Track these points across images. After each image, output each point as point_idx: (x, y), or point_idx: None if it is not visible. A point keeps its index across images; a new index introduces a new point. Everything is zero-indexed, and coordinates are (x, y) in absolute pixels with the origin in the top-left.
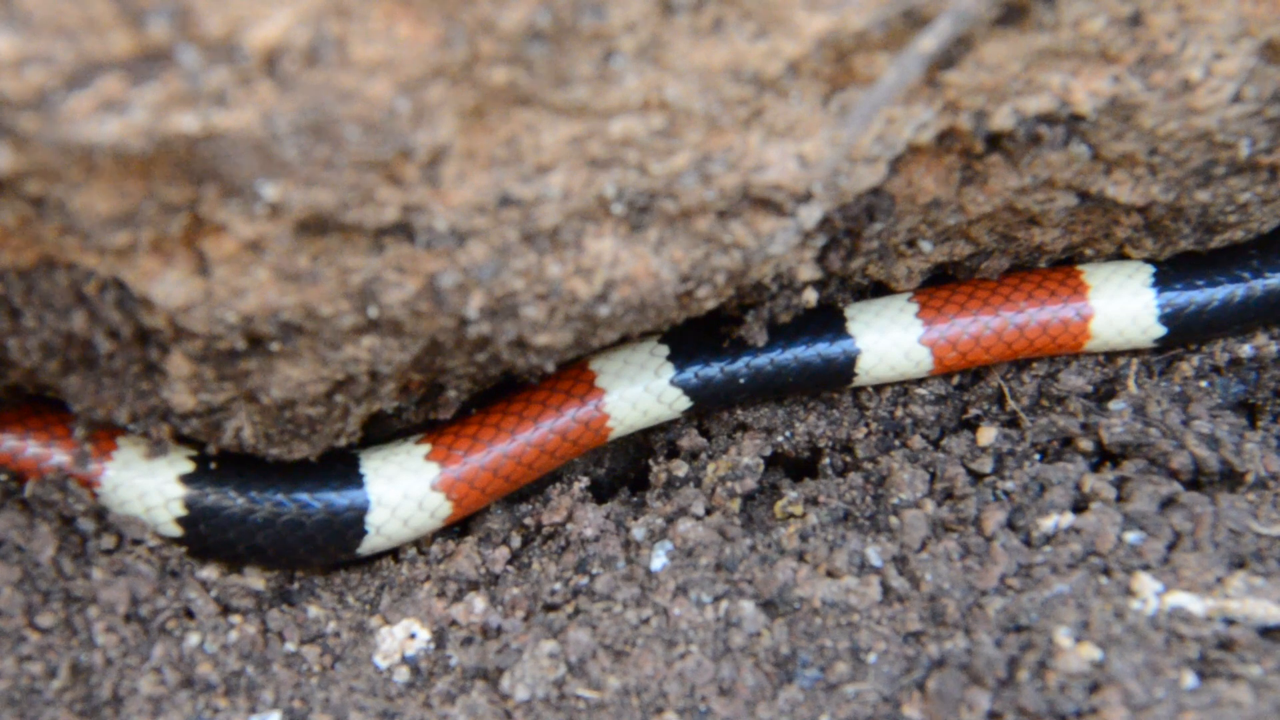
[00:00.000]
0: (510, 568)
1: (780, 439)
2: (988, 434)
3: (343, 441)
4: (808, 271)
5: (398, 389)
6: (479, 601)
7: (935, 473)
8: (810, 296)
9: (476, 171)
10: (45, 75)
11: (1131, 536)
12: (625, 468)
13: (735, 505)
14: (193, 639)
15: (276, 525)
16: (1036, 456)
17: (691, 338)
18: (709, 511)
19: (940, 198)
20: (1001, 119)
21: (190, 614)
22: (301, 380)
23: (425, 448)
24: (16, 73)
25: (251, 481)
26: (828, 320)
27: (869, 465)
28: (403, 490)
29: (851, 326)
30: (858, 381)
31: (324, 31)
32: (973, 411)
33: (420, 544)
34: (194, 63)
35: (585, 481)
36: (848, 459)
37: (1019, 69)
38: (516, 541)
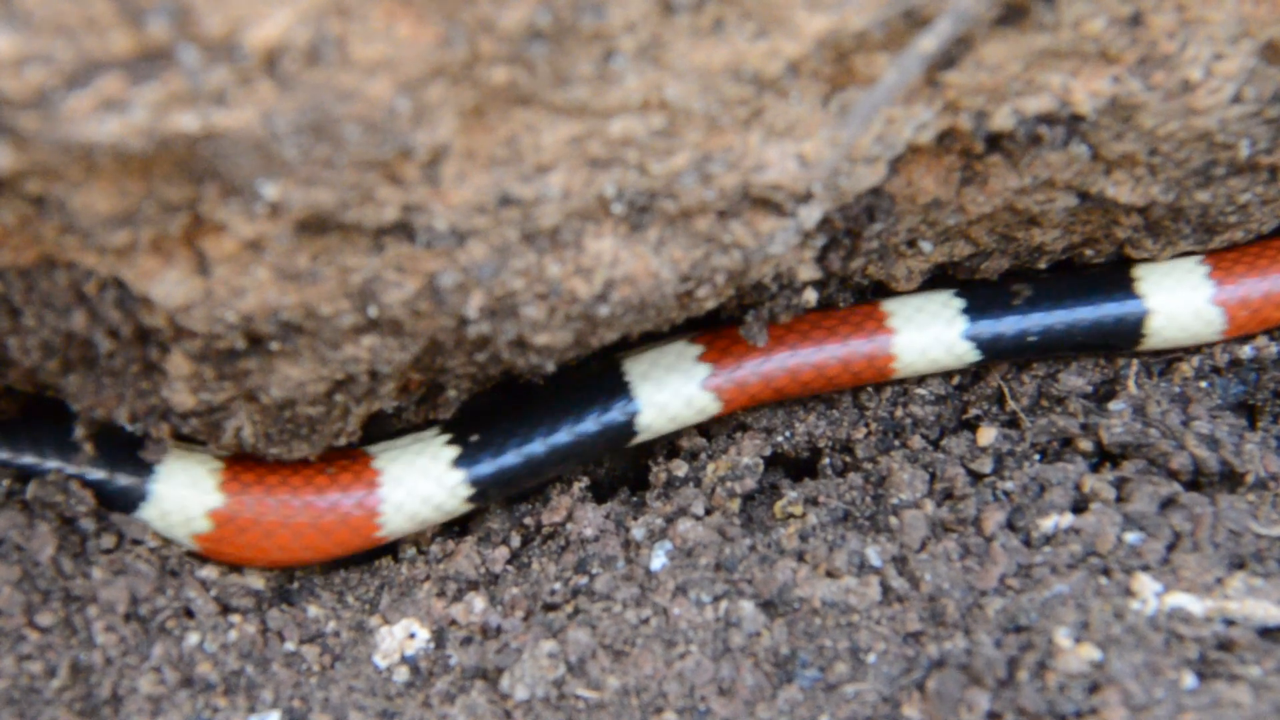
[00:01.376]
0: (510, 567)
1: (780, 439)
2: (987, 434)
3: (342, 441)
4: (808, 271)
5: (397, 388)
6: (479, 601)
7: (935, 473)
8: (810, 296)
9: (476, 171)
10: (45, 74)
11: (1131, 537)
12: (625, 468)
13: (735, 505)
14: (192, 638)
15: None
16: (1036, 457)
17: (986, 292)
18: (709, 511)
19: (940, 198)
20: (1001, 119)
21: (190, 613)
22: (301, 380)
23: (699, 348)
24: (17, 72)
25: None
26: (1117, 279)
27: (869, 465)
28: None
29: (1140, 286)
30: (1146, 344)
31: (324, 31)
32: (972, 412)
33: (420, 543)
34: (194, 62)
35: (585, 481)
36: (847, 459)
37: (1019, 69)
38: (516, 541)
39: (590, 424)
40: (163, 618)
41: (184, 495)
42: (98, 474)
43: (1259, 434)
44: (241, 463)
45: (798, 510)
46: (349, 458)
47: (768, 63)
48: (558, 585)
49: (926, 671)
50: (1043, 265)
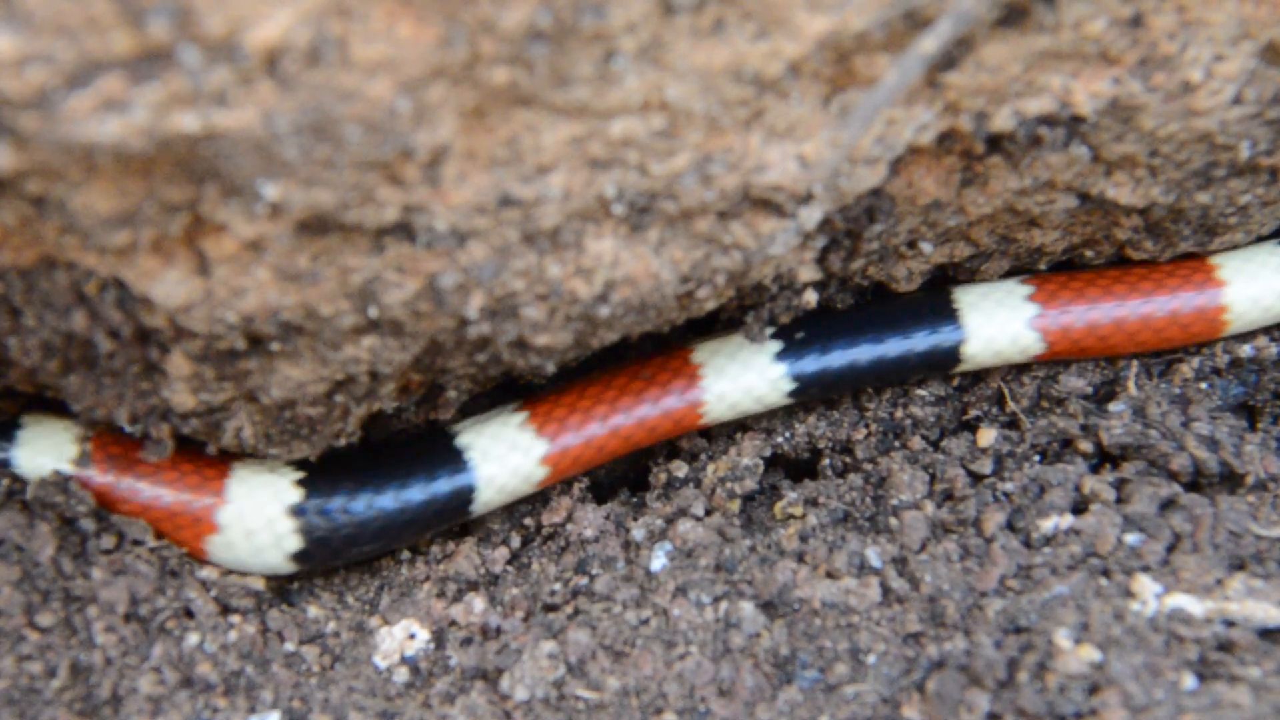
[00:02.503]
0: (510, 568)
1: (780, 440)
2: (987, 435)
3: (342, 441)
4: (808, 272)
5: (398, 389)
6: (478, 602)
7: (935, 474)
8: (810, 297)
9: (477, 172)
10: (46, 75)
11: (1131, 538)
12: (625, 468)
13: (735, 506)
14: (192, 639)
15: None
16: (1036, 458)
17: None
18: (709, 512)
19: (940, 199)
20: (1002, 120)
21: (190, 614)
22: (302, 380)
23: (1029, 288)
24: (17, 72)
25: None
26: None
27: (869, 466)
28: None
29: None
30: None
31: (325, 31)
32: (973, 413)
33: (418, 544)
34: (195, 62)
35: (585, 482)
36: (847, 460)
37: (1019, 70)
38: (516, 542)
39: (918, 343)
40: (163, 618)
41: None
42: None
43: (1259, 435)
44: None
45: (798, 511)
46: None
47: (768, 63)
48: (558, 586)
49: (926, 672)
50: (1043, 266)
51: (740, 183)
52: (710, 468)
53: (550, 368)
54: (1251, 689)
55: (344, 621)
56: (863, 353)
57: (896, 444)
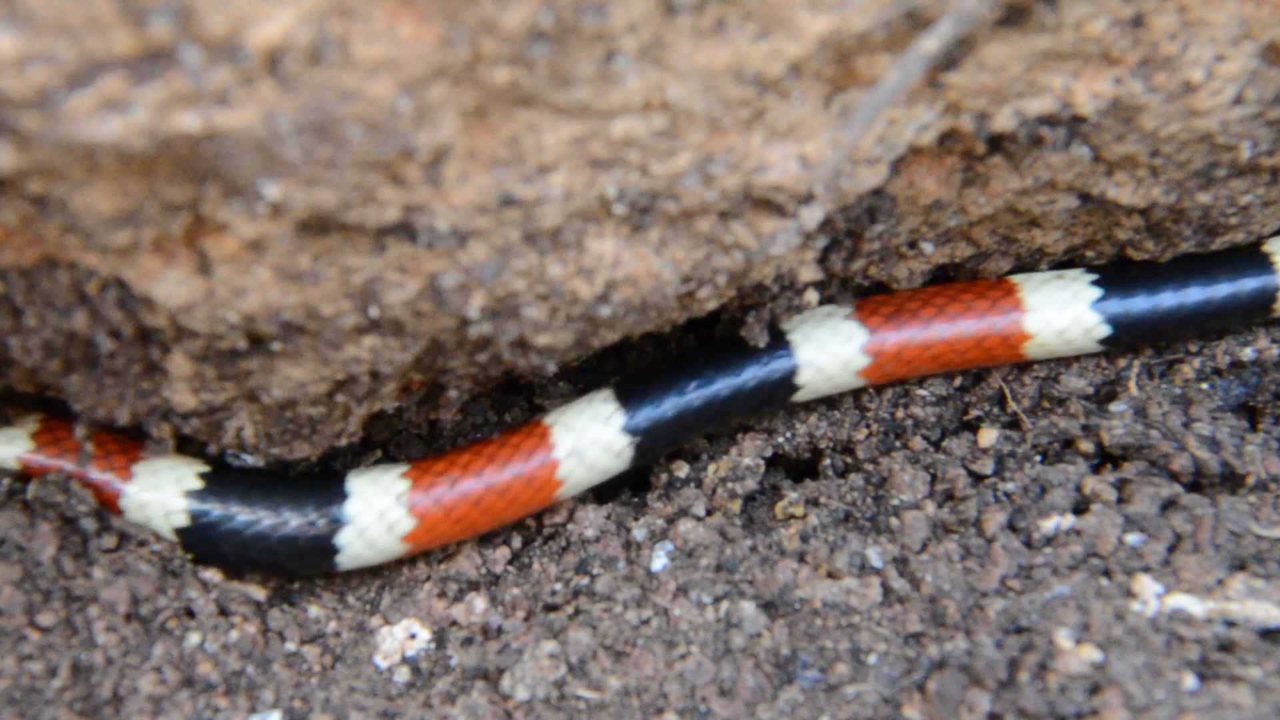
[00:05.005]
0: (511, 568)
1: (781, 440)
2: (989, 435)
3: (343, 441)
4: (809, 273)
5: (399, 389)
6: (479, 601)
7: (936, 474)
8: (811, 297)
9: (478, 171)
10: (47, 74)
11: (1132, 538)
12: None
13: (736, 506)
14: (193, 638)
15: None
16: (1037, 458)
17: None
18: (710, 512)
19: (942, 199)
20: (1003, 120)
21: (191, 613)
22: (303, 380)
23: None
24: (18, 71)
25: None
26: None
27: (870, 466)
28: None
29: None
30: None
31: (326, 31)
32: (974, 413)
33: None
34: (196, 62)
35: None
36: (848, 460)
37: (1020, 70)
38: (517, 542)
39: (1230, 287)
40: (164, 618)
41: None
42: None
43: (1260, 435)
44: None
45: (799, 511)
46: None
47: (769, 63)
48: (559, 586)
49: (927, 672)
50: (1044, 267)
51: (741, 183)
52: (711, 468)
53: (551, 368)
54: (1252, 689)
55: (345, 621)
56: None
57: (897, 444)
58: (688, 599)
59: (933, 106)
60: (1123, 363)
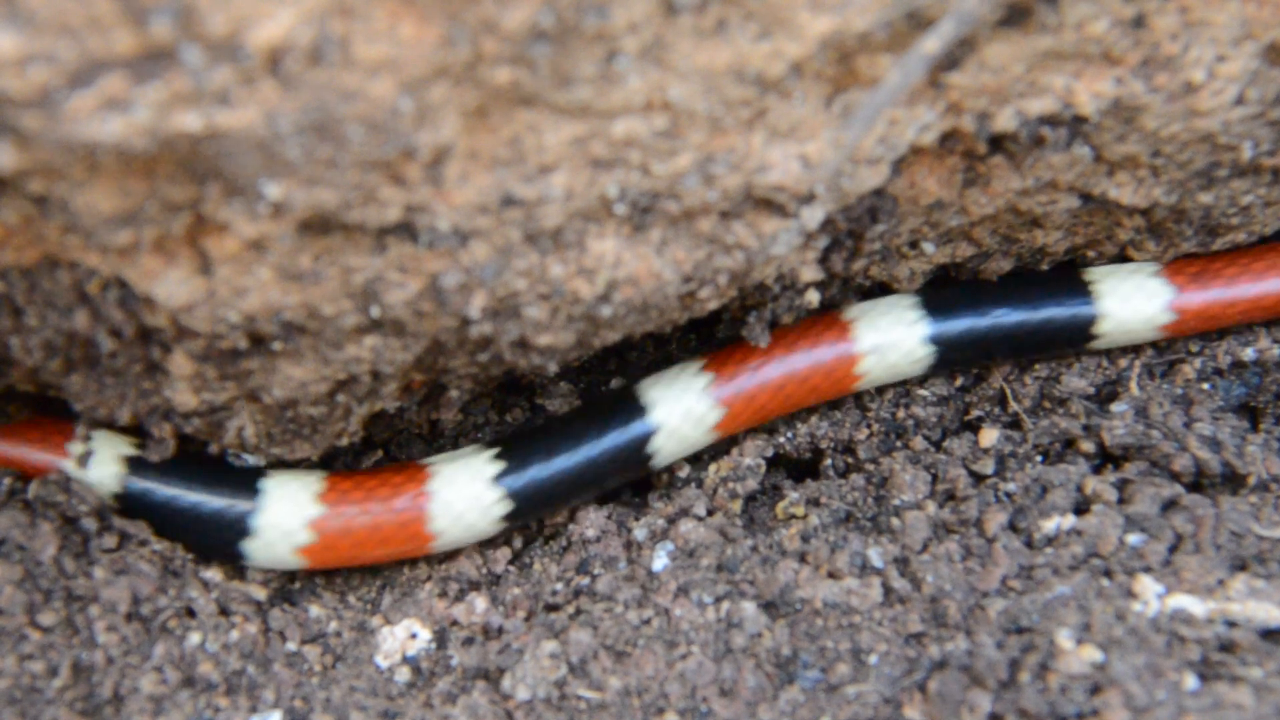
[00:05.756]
0: (511, 568)
1: (782, 440)
2: (990, 435)
3: (344, 441)
4: (810, 273)
5: (400, 389)
6: (480, 601)
7: (937, 474)
8: (812, 297)
9: (479, 171)
10: (48, 74)
11: (1133, 538)
12: None
13: (737, 506)
14: (194, 638)
15: None
16: (1038, 458)
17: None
18: (710, 512)
19: (943, 199)
20: (1004, 120)
21: (191, 613)
22: (304, 380)
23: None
24: (20, 71)
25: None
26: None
27: (871, 466)
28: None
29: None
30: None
31: (327, 31)
32: (975, 413)
33: None
34: (197, 62)
35: None
36: (849, 460)
37: (1022, 71)
38: (518, 541)
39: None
40: (164, 617)
41: None
42: None
43: (1261, 436)
44: None
45: (799, 511)
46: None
47: (771, 64)
48: (559, 586)
49: (928, 672)
50: (1044, 267)
51: (742, 183)
52: (712, 468)
53: (553, 367)
54: (1253, 689)
55: (346, 621)
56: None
57: (898, 444)
58: (689, 599)
59: (934, 107)
60: (1124, 363)
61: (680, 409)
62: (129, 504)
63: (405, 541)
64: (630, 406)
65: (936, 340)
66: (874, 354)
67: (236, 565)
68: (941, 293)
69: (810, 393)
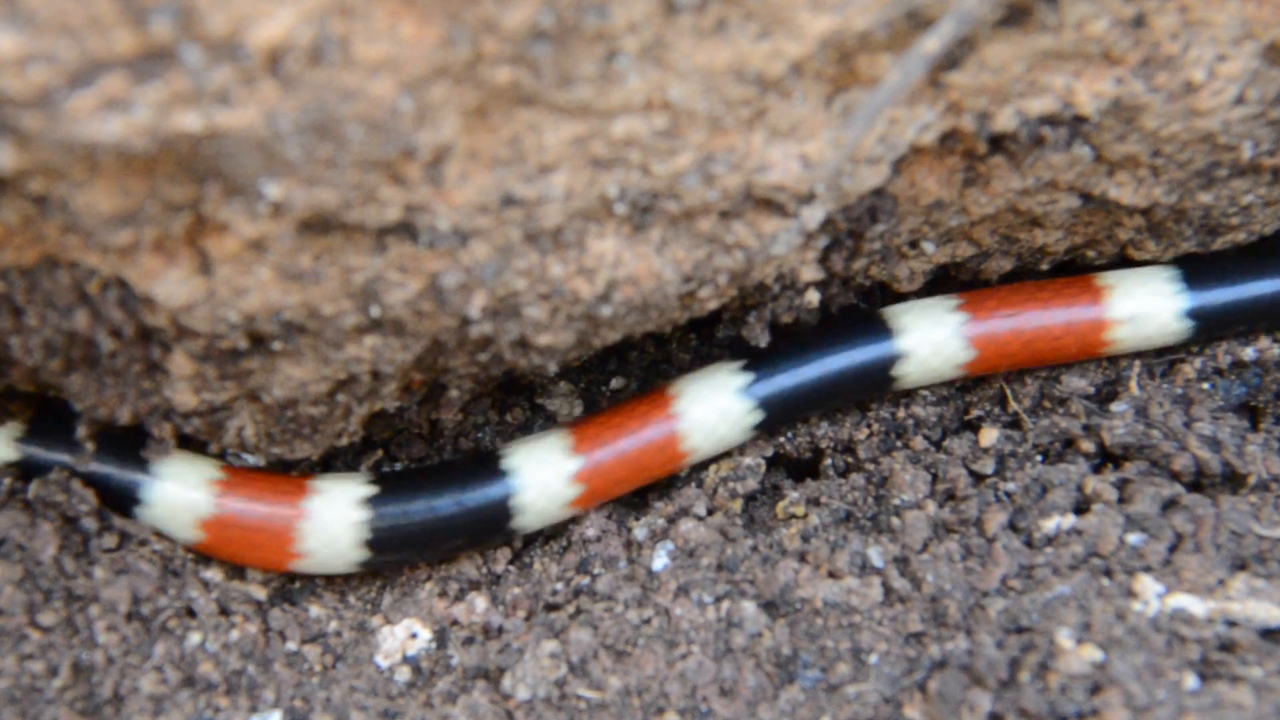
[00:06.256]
0: (512, 567)
1: (782, 439)
2: (990, 435)
3: (344, 441)
4: (810, 272)
5: (400, 388)
6: (480, 601)
7: (937, 474)
8: (812, 297)
9: (479, 171)
10: (48, 74)
11: (1133, 538)
12: None
13: (737, 506)
14: (194, 638)
15: None
16: (1038, 458)
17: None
18: (710, 512)
19: (943, 199)
20: (1004, 120)
21: (192, 613)
22: (304, 379)
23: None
24: (20, 71)
25: None
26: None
27: (871, 466)
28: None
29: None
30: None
31: (327, 31)
32: (975, 413)
33: None
34: (197, 62)
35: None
36: (849, 460)
37: (1022, 70)
38: (518, 541)
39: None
40: (164, 617)
41: None
42: None
43: (1261, 435)
44: None
45: (799, 511)
46: None
47: (771, 63)
48: (559, 585)
49: (928, 672)
50: (1044, 267)
51: (742, 182)
52: (712, 467)
53: (553, 367)
54: (1253, 689)
55: (346, 621)
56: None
57: (898, 444)
58: (689, 598)
59: (934, 106)
60: (1124, 362)
61: (931, 340)
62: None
63: (664, 465)
64: (880, 329)
65: None
66: (1129, 323)
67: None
68: (1202, 271)
69: (1058, 352)
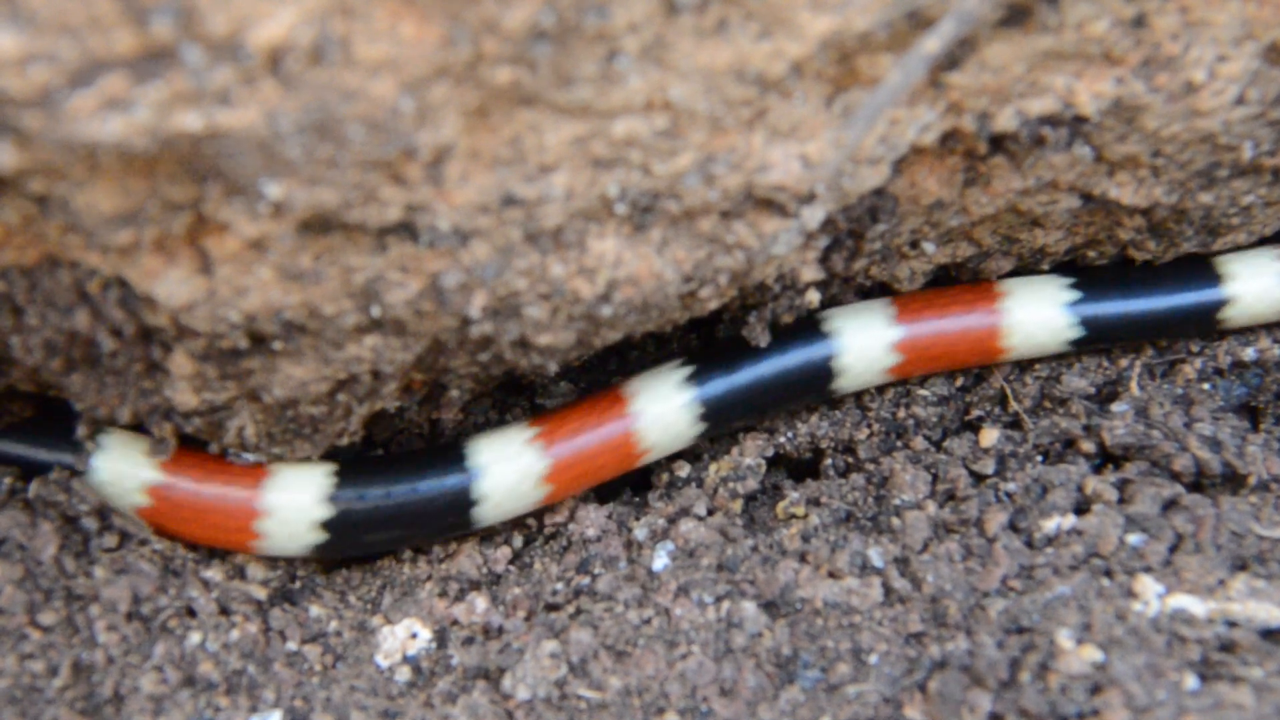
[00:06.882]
0: (512, 567)
1: (782, 439)
2: (990, 435)
3: (345, 440)
4: (810, 272)
5: (400, 388)
6: (480, 601)
7: (937, 474)
8: (813, 297)
9: (480, 171)
10: (49, 73)
11: (1133, 538)
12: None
13: (737, 506)
14: (194, 638)
15: None
16: (1039, 458)
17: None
18: (711, 512)
19: (943, 199)
20: (1005, 120)
21: (192, 612)
22: (304, 379)
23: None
24: (21, 71)
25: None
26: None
27: (871, 466)
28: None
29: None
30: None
31: (328, 31)
32: (975, 413)
33: (421, 544)
34: (198, 61)
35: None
36: (850, 460)
37: (1022, 70)
38: (518, 541)
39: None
40: (165, 617)
41: None
42: None
43: (1261, 436)
44: None
45: (800, 511)
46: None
47: (771, 63)
48: (560, 585)
49: (928, 672)
50: (1045, 266)
51: (743, 182)
52: (712, 467)
53: (553, 367)
54: (1254, 689)
55: (346, 621)
56: None
57: (899, 444)
58: (689, 599)
59: (934, 106)
60: (1124, 363)
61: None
62: None
63: (982, 354)
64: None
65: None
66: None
67: None
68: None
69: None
